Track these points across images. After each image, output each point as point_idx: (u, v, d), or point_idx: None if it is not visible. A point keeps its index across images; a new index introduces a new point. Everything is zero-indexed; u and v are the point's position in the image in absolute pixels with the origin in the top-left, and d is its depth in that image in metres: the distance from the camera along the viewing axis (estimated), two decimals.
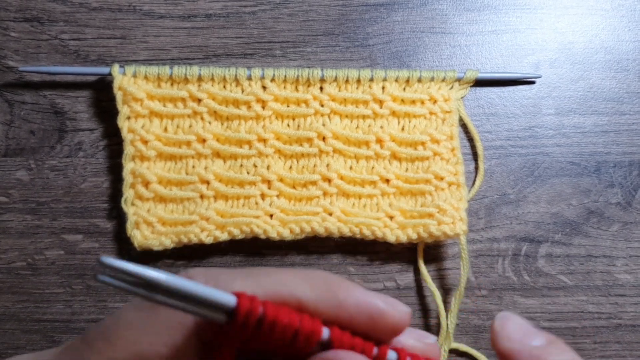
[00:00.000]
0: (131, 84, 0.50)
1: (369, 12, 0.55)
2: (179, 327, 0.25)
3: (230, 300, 0.22)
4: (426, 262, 0.53)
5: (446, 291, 0.53)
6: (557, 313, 0.53)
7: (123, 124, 0.50)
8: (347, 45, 0.54)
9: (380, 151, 0.51)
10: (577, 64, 0.55)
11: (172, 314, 0.25)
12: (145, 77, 0.50)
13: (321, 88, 0.52)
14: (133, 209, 0.50)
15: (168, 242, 0.50)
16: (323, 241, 0.53)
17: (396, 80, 0.52)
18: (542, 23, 0.55)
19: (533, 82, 0.55)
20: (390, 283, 0.53)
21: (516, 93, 0.55)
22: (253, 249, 0.53)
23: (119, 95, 0.50)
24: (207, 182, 0.51)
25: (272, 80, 0.51)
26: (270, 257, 0.53)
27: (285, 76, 0.51)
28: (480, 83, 0.54)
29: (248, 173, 0.51)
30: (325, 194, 0.51)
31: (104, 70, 0.51)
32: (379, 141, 0.52)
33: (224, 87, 0.51)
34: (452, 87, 0.52)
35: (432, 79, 0.52)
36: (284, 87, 0.51)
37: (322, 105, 0.51)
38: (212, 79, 0.51)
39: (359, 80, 0.51)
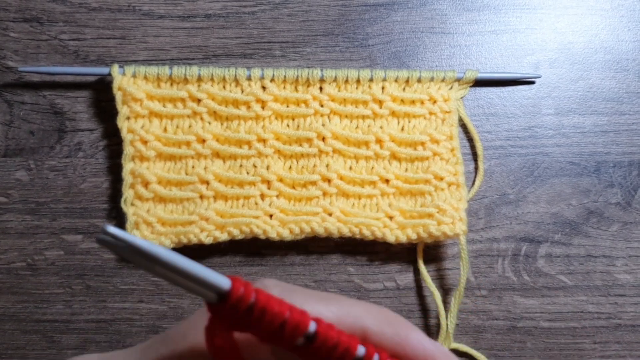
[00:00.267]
0: (131, 84, 0.50)
1: (369, 12, 0.55)
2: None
3: (225, 283, 0.22)
4: (426, 262, 0.53)
5: (446, 291, 0.53)
6: (556, 313, 0.53)
7: (122, 124, 0.50)
8: (346, 46, 0.54)
9: (380, 151, 0.51)
10: (576, 64, 0.55)
11: None
12: (145, 78, 0.50)
13: (321, 88, 0.52)
14: (132, 209, 0.50)
15: (167, 243, 0.50)
16: (323, 241, 0.53)
17: (396, 81, 0.52)
18: (542, 23, 0.55)
19: (533, 82, 0.55)
20: (390, 283, 0.53)
21: (516, 93, 0.55)
22: (253, 249, 0.53)
23: (118, 96, 0.50)
24: (207, 183, 0.51)
25: (272, 80, 0.51)
26: (269, 257, 0.53)
27: (284, 76, 0.51)
28: (479, 83, 0.54)
29: (248, 173, 0.51)
30: (324, 194, 0.51)
31: (103, 70, 0.51)
32: (379, 141, 0.52)
33: (224, 87, 0.51)
34: (451, 87, 0.52)
35: (432, 79, 0.52)
36: (284, 88, 0.51)
37: (322, 106, 0.51)
38: (212, 79, 0.51)
39: (358, 81, 0.51)
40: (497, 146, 0.54)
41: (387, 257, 0.53)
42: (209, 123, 0.51)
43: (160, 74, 0.50)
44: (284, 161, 0.52)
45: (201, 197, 0.51)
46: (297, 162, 0.52)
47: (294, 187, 0.51)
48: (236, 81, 0.51)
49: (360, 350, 0.25)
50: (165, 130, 0.51)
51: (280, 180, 0.51)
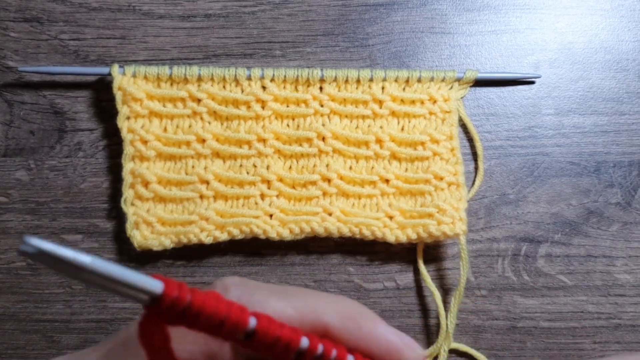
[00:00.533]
0: (131, 84, 0.50)
1: (369, 12, 0.55)
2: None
3: (157, 286, 0.22)
4: (426, 262, 0.53)
5: (446, 291, 0.53)
6: (556, 313, 0.53)
7: (123, 124, 0.50)
8: (346, 45, 0.54)
9: (380, 151, 0.51)
10: (576, 64, 0.55)
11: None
12: (145, 77, 0.50)
13: (321, 88, 0.52)
14: (132, 209, 0.50)
15: (168, 242, 0.50)
16: (323, 241, 0.53)
17: (396, 81, 0.52)
18: (542, 23, 0.55)
19: (533, 82, 0.55)
20: (390, 283, 0.53)
21: (516, 93, 0.55)
22: (253, 249, 0.53)
23: (118, 96, 0.50)
24: (207, 182, 0.51)
25: (272, 80, 0.51)
26: (269, 257, 0.53)
27: (284, 76, 0.51)
28: (479, 83, 0.54)
29: (248, 173, 0.51)
30: (324, 194, 0.51)
31: (103, 70, 0.51)
32: (379, 141, 0.52)
33: (224, 87, 0.51)
34: (451, 87, 0.52)
35: (432, 79, 0.52)
36: (284, 87, 0.51)
37: (322, 105, 0.51)
38: (212, 79, 0.51)
39: (358, 81, 0.51)
40: (497, 146, 0.54)
41: (387, 257, 0.53)
42: (209, 123, 0.51)
43: (160, 74, 0.50)
44: (284, 161, 0.52)
45: (201, 197, 0.51)
46: (297, 162, 0.52)
47: (294, 187, 0.51)
48: (236, 81, 0.51)
49: (304, 342, 0.25)
50: (165, 130, 0.51)
51: (280, 180, 0.51)
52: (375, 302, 0.53)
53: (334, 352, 0.25)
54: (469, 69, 0.53)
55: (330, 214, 0.51)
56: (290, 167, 0.52)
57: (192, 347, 0.26)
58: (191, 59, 0.54)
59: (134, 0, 0.54)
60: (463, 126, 0.54)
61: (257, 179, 0.51)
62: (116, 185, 0.52)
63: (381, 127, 0.52)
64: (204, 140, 0.51)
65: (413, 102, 0.52)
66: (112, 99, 0.50)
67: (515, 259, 0.53)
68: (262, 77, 0.51)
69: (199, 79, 0.51)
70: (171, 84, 0.51)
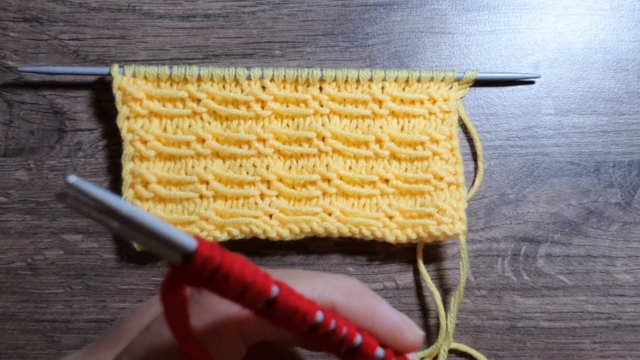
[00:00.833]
0: (130, 84, 0.50)
1: (368, 12, 0.55)
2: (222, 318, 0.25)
3: (191, 243, 0.21)
4: (425, 262, 0.53)
5: (445, 291, 0.53)
6: (556, 313, 0.53)
7: (122, 124, 0.50)
8: (346, 46, 0.54)
9: (380, 151, 0.51)
10: (576, 64, 0.55)
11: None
12: (145, 77, 0.50)
13: (320, 88, 0.52)
14: None
15: None
16: (322, 241, 0.53)
17: (395, 81, 0.52)
18: (542, 23, 0.55)
19: (532, 82, 0.55)
20: (390, 283, 0.53)
21: (515, 93, 0.55)
22: (252, 249, 0.53)
23: (118, 96, 0.50)
24: (207, 182, 0.51)
25: (272, 80, 0.51)
26: (269, 257, 0.53)
27: (284, 76, 0.51)
28: (479, 83, 0.54)
29: (247, 173, 0.51)
30: (324, 194, 0.51)
31: (103, 70, 0.51)
32: (378, 141, 0.52)
33: (224, 87, 0.51)
34: (451, 87, 0.52)
35: (432, 79, 0.52)
36: (284, 87, 0.51)
37: (322, 105, 0.51)
38: (212, 79, 0.51)
39: (358, 81, 0.51)
40: (497, 146, 0.54)
41: (386, 257, 0.53)
42: (209, 123, 0.51)
43: (160, 74, 0.50)
44: (283, 161, 0.52)
45: (201, 197, 0.51)
46: (297, 162, 0.52)
47: (293, 187, 0.51)
48: (236, 81, 0.51)
49: (319, 316, 0.25)
50: (165, 130, 0.51)
51: (280, 180, 0.51)
52: None
53: (344, 329, 0.25)
54: (469, 69, 0.53)
55: (330, 214, 0.51)
56: (290, 167, 0.52)
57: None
58: (191, 59, 0.54)
59: (133, 0, 0.54)
60: (463, 126, 0.54)
61: (256, 179, 0.51)
62: (116, 185, 0.52)
63: (381, 127, 0.52)
64: (203, 140, 0.51)
65: (413, 102, 0.52)
66: (111, 99, 0.50)
67: (515, 259, 0.53)
68: (261, 77, 0.51)
69: (199, 79, 0.51)
70: (171, 84, 0.51)
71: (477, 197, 0.53)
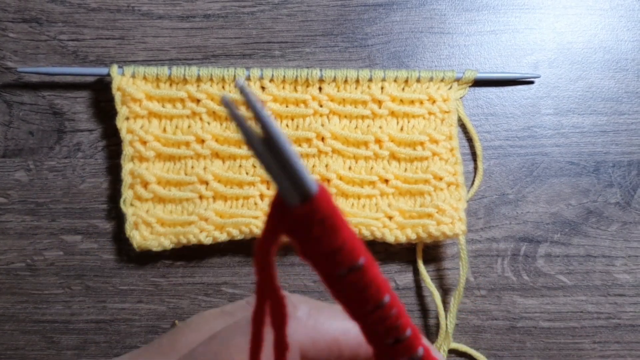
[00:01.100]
0: (130, 84, 0.50)
1: (368, 12, 0.55)
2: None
3: (313, 186, 0.20)
4: (425, 262, 0.53)
5: (445, 291, 0.53)
6: (556, 313, 0.53)
7: (122, 124, 0.50)
8: (345, 46, 0.54)
9: (379, 151, 0.51)
10: (575, 63, 0.55)
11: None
12: (144, 78, 0.50)
13: (320, 88, 0.52)
14: (132, 210, 0.50)
15: (167, 243, 0.50)
16: None
17: (395, 81, 0.52)
18: (541, 23, 0.55)
19: (532, 82, 0.55)
20: (390, 283, 0.53)
21: (515, 93, 0.54)
22: (252, 250, 0.52)
23: (117, 96, 0.50)
24: (206, 183, 0.51)
25: (271, 80, 0.51)
26: None
27: (284, 76, 0.51)
28: (479, 83, 0.54)
29: (247, 174, 0.51)
30: None
31: (102, 70, 0.51)
32: (378, 141, 0.52)
33: (223, 87, 0.51)
34: (450, 87, 0.52)
35: (431, 79, 0.52)
36: (283, 88, 0.51)
37: (321, 106, 0.51)
38: (211, 80, 0.51)
39: (357, 81, 0.51)
40: (497, 146, 0.54)
41: (386, 257, 0.53)
42: (208, 123, 0.51)
43: (160, 75, 0.50)
44: None
45: (200, 197, 0.51)
46: None
47: None
48: (235, 81, 0.51)
49: (387, 297, 0.24)
50: (164, 130, 0.51)
51: None
52: None
53: (401, 319, 0.25)
54: (468, 69, 0.53)
55: None
56: None
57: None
58: (190, 60, 0.54)
59: (133, 1, 0.54)
60: (462, 126, 0.54)
61: (256, 180, 0.51)
62: (115, 185, 0.52)
63: (380, 127, 0.52)
64: (203, 141, 0.51)
65: (412, 102, 0.52)
66: (111, 99, 0.50)
67: (514, 259, 0.53)
68: (261, 78, 0.51)
69: (198, 79, 0.51)
70: (170, 85, 0.51)
71: (476, 197, 0.53)
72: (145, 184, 0.50)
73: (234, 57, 0.54)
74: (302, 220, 0.20)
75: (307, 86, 0.51)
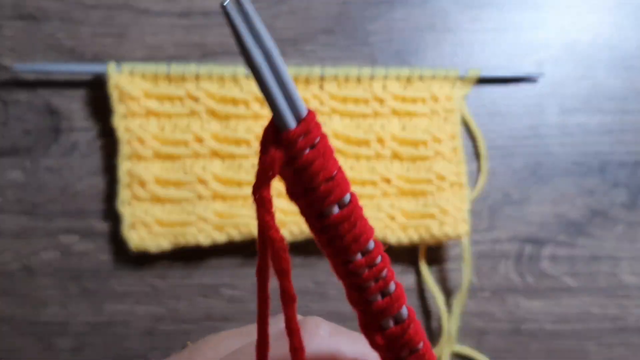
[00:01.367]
0: (127, 82, 0.49)
1: (369, 9, 0.54)
2: None
3: (303, 109, 0.20)
4: (428, 264, 0.52)
5: (448, 293, 0.52)
6: (561, 315, 0.52)
7: (119, 123, 0.50)
8: (347, 43, 0.53)
9: (381, 151, 0.51)
10: (581, 62, 0.54)
11: None
12: (142, 76, 0.50)
13: (321, 86, 0.51)
14: (129, 210, 0.50)
15: (165, 244, 0.49)
16: None
17: (397, 79, 0.51)
18: (545, 21, 0.55)
19: (536, 81, 0.54)
20: None
21: (519, 92, 0.54)
22: (252, 251, 0.52)
23: (115, 94, 0.49)
24: (205, 183, 0.50)
25: None
26: None
27: None
28: (482, 81, 0.53)
29: (246, 173, 0.50)
30: None
31: (99, 68, 0.50)
32: (380, 140, 0.51)
33: (222, 85, 0.50)
34: (454, 86, 0.52)
35: (434, 78, 0.51)
36: None
37: (322, 104, 0.51)
38: (210, 78, 0.50)
39: (359, 79, 0.51)
40: (501, 145, 0.53)
41: None
42: (207, 122, 0.50)
43: (158, 72, 0.50)
44: None
45: (199, 197, 0.50)
46: None
47: None
48: (235, 79, 0.50)
49: (371, 243, 0.24)
50: (162, 129, 0.50)
51: None
52: None
53: (385, 270, 0.24)
54: (472, 68, 0.52)
55: None
56: None
57: None
58: (189, 57, 0.53)
59: None
60: (465, 125, 0.53)
61: None
62: (113, 185, 0.52)
63: (382, 126, 0.51)
64: (202, 140, 0.50)
65: (415, 100, 0.51)
66: (108, 97, 0.50)
67: (519, 260, 0.52)
68: None
69: (197, 77, 0.50)
70: (168, 83, 0.50)
71: (480, 197, 0.53)
72: (143, 184, 0.50)
73: (233, 54, 0.53)
74: (297, 143, 0.20)
75: (308, 84, 0.51)
